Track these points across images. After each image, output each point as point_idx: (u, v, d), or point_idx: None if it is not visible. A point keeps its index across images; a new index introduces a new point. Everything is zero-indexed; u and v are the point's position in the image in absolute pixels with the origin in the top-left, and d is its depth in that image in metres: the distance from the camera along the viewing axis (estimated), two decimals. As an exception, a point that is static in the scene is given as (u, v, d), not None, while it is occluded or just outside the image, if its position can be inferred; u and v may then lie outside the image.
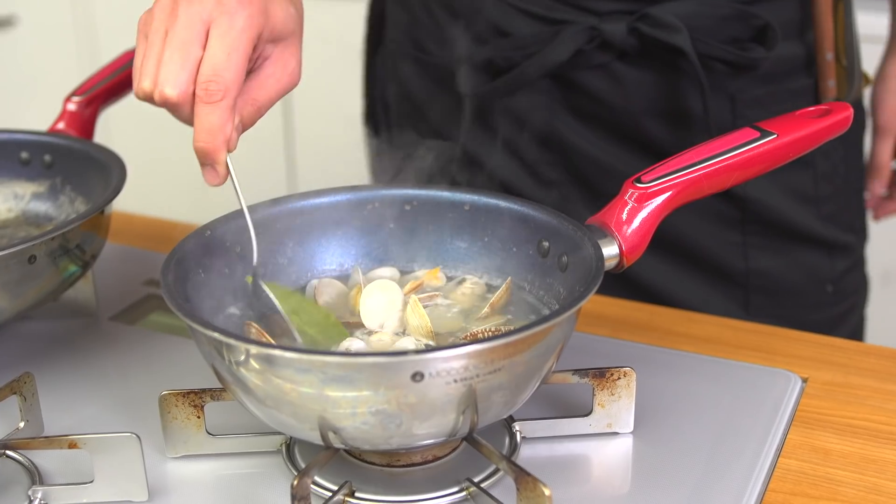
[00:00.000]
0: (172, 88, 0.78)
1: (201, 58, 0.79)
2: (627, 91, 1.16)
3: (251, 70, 0.83)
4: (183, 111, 0.80)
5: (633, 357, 1.01)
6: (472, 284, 0.93)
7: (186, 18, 0.79)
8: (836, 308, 1.27)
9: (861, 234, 1.30)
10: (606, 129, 1.19)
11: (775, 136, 0.91)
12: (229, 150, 0.81)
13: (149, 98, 0.80)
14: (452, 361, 0.71)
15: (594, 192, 1.21)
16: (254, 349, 0.73)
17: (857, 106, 1.25)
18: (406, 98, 1.30)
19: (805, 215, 1.21)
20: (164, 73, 0.79)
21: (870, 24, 1.49)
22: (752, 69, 1.13)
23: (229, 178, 0.82)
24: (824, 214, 1.22)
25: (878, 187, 1.35)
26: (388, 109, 1.35)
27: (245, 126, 0.83)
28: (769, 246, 1.21)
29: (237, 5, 0.80)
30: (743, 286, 1.22)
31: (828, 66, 1.17)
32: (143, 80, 0.80)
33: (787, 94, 1.17)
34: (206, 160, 0.81)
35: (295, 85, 0.86)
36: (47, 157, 1.14)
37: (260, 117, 0.84)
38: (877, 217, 1.39)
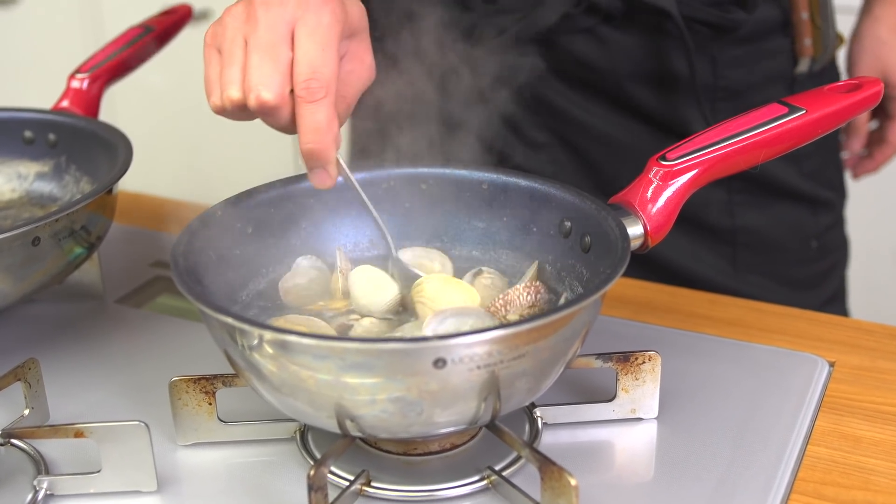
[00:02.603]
0: (269, 91, 0.76)
1: (291, 59, 0.77)
2: (613, 54, 1.18)
3: None
4: (282, 114, 0.77)
5: (656, 340, 0.98)
6: (489, 275, 0.90)
7: (268, 22, 0.77)
8: (820, 264, 1.31)
9: (840, 192, 1.33)
10: (593, 91, 1.20)
11: (804, 111, 0.88)
12: (336, 148, 0.79)
13: (237, 107, 0.78)
14: (476, 347, 0.68)
15: (582, 154, 1.23)
16: (268, 335, 0.70)
17: (832, 66, 1.29)
18: (391, 65, 1.29)
19: (788, 172, 1.24)
20: (255, 77, 0.76)
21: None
22: (734, 31, 1.16)
23: (341, 175, 0.81)
24: (806, 171, 1.25)
25: (856, 146, 1.38)
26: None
27: (340, 123, 0.80)
28: (755, 202, 1.24)
29: (320, 2, 0.78)
30: (730, 243, 1.24)
31: (804, 25, 1.20)
32: (229, 88, 0.77)
33: (765, 53, 1.20)
34: (316, 162, 0.78)
35: (372, 79, 0.85)
36: (51, 136, 1.12)
37: (349, 114, 0.82)
38: (855, 176, 1.42)
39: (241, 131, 2.43)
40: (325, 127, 0.77)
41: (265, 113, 0.77)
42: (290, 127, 0.78)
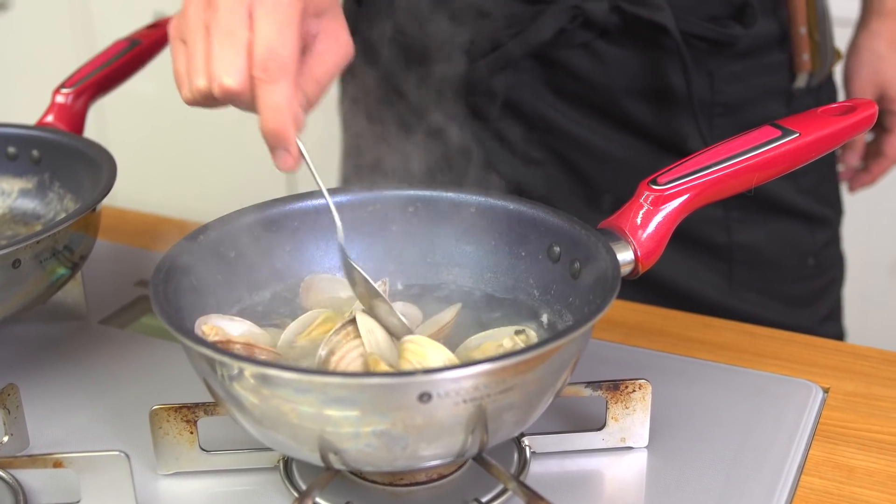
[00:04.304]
0: (231, 77, 0.74)
1: (251, 41, 0.75)
2: (609, 69, 1.17)
3: (304, 49, 0.79)
4: (245, 98, 0.76)
5: (647, 365, 0.97)
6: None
7: (226, 7, 0.75)
8: (816, 281, 1.29)
9: (837, 208, 1.32)
10: (589, 107, 1.19)
11: (798, 134, 0.87)
12: (298, 130, 0.77)
13: (206, 96, 0.76)
14: (462, 381, 0.67)
15: (577, 170, 1.22)
16: (248, 368, 0.68)
17: (829, 81, 1.28)
18: (385, 81, 1.27)
19: (785, 188, 1.22)
20: (217, 65, 0.75)
21: (839, 6, 1.47)
22: (731, 46, 1.15)
23: (302, 159, 0.78)
24: (803, 188, 1.24)
25: (852, 159, 1.37)
26: (366, 93, 1.32)
27: (311, 104, 0.79)
28: (751, 219, 1.23)
29: None
30: (726, 260, 1.23)
31: (802, 40, 1.20)
32: (195, 79, 0.76)
33: (763, 68, 1.19)
34: (276, 142, 0.77)
35: (350, 56, 0.82)
36: (35, 153, 1.10)
37: (324, 94, 0.80)
38: (852, 189, 1.41)
39: (235, 139, 2.41)
40: (283, 106, 0.75)
41: (230, 100, 0.76)
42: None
